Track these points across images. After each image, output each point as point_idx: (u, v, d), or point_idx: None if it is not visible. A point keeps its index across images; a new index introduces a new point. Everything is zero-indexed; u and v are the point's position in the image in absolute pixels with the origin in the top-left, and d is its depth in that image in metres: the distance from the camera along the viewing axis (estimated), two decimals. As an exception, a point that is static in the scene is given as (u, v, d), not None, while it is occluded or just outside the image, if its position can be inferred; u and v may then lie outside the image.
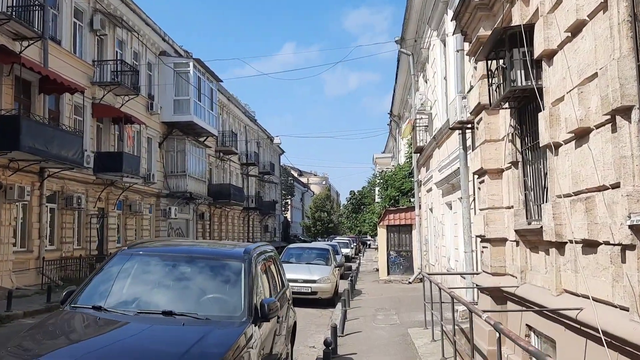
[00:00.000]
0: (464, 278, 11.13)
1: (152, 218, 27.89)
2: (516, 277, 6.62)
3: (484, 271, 8.22)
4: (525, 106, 6.22)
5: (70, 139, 17.84)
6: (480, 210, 7.71)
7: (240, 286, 4.89)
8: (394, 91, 29.05)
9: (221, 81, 33.94)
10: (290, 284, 13.63)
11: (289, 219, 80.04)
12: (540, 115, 5.36)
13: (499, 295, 7.15)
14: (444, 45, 14.11)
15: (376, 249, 49.55)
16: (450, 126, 10.32)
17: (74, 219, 20.53)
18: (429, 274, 9.89)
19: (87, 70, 21.60)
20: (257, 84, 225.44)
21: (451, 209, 14.23)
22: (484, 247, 7.85)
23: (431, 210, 18.23)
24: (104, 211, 22.98)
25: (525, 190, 6.44)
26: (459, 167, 11.56)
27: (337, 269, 16.36)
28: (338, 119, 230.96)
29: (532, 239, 6.06)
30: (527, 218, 6.34)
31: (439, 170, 15.36)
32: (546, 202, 5.48)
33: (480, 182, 7.78)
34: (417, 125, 18.95)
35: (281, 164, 69.13)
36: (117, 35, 24.25)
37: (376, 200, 30.16)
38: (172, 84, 28.90)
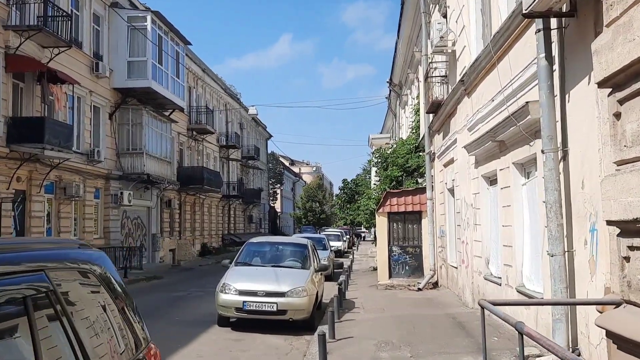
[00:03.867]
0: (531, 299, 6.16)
1: (100, 205, 22.78)
2: None
3: (627, 302, 3.38)
4: None
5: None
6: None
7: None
8: (395, 52, 23.97)
9: (189, 44, 28.74)
10: (245, 298, 8.69)
11: (279, 210, 75.07)
12: None
13: None
14: None
15: (372, 241, 44.63)
16: (526, 11, 5.30)
17: (-28, 203, 15.41)
18: (494, 303, 4.87)
19: (-4, 9, 16.41)
20: (253, 76, 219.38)
21: (495, 183, 9.25)
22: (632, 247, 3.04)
23: (451, 190, 13.26)
24: (24, 194, 17.85)
25: None
26: (526, 103, 6.56)
27: (320, 274, 11.38)
28: (335, 111, 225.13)
29: None
30: None
31: (469, 128, 10.36)
32: None
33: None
34: (431, 76, 13.93)
35: (270, 151, 64.07)
36: (46, -29, 18.98)
37: (373, 182, 25.12)
38: (125, 42, 23.73)
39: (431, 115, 15.08)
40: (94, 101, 22.22)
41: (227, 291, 9.64)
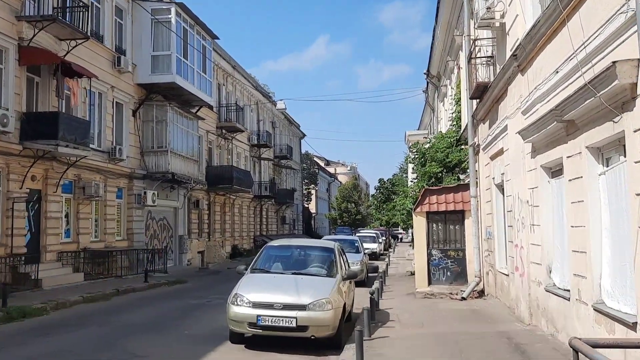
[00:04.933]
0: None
1: (123, 205, 21.85)
2: None
3: None
4: None
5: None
6: None
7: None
8: (433, 39, 22.30)
9: (217, 38, 27.63)
10: (259, 312, 7.32)
11: (314, 211, 73.82)
12: None
13: None
14: None
15: (409, 243, 42.81)
16: None
17: (-19, 203, 14.54)
18: (595, 344, 3.31)
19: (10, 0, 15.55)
20: (288, 78, 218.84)
21: (559, 174, 7.60)
22: None
23: (500, 186, 11.59)
24: (40, 194, 16.97)
25: None
26: (613, 64, 4.96)
27: (349, 282, 9.88)
28: (371, 111, 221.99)
29: None
30: None
31: (524, 111, 8.72)
32: None
33: None
34: (475, 57, 12.29)
35: (304, 151, 62.86)
36: (64, -39, 18.10)
37: (410, 180, 23.41)
38: (149, 36, 22.78)
39: (474, 102, 13.43)
40: (116, 97, 21.31)
41: (239, 303, 8.28)
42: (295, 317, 7.98)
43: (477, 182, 13.64)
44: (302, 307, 8.08)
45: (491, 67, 12.00)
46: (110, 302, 14.19)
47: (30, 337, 9.38)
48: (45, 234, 16.93)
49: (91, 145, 19.10)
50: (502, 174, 10.97)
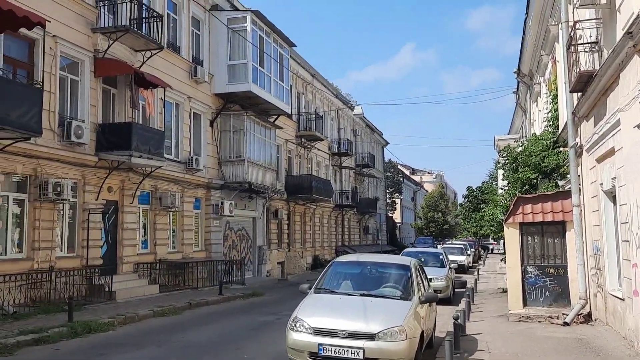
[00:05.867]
0: None
1: (201, 216, 21.66)
2: None
3: None
4: None
5: (16, 92, 11.71)
6: None
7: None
8: (523, 34, 20.37)
9: (294, 45, 27.08)
10: (321, 340, 6.21)
11: (399, 220, 71.93)
12: None
13: None
14: None
15: (501, 256, 40.13)
16: None
17: (57, 214, 14.56)
18: None
19: (84, 12, 15.70)
20: (373, 88, 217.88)
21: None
22: None
23: (610, 193, 9.82)
24: (117, 205, 16.97)
25: None
26: None
27: (429, 305, 8.57)
28: (458, 118, 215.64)
29: None
30: None
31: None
32: None
33: None
34: (575, 44, 10.61)
35: (388, 159, 61.31)
36: (140, -27, 18.20)
37: (500, 188, 21.38)
38: (225, 45, 22.59)
39: (575, 97, 11.68)
40: (194, 107, 21.21)
41: (298, 328, 7.27)
42: (363, 348, 6.84)
43: (580, 189, 11.82)
44: (370, 337, 6.93)
45: (596, 55, 10.30)
46: (179, 317, 13.70)
47: (82, 357, 8.89)
48: (121, 245, 16.90)
49: (168, 156, 19.06)
50: (614, 178, 9.23)
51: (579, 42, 10.57)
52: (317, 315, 7.36)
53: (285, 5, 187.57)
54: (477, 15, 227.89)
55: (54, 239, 14.30)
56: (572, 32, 10.57)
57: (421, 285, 8.70)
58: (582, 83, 10.13)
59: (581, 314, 11.44)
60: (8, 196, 13.33)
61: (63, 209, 14.94)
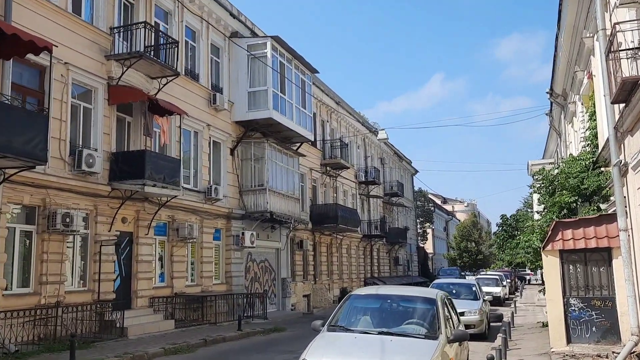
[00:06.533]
0: None
1: (221, 247, 20.93)
2: None
3: None
4: None
5: (19, 119, 11.26)
6: None
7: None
8: (555, 50, 19.34)
9: (316, 72, 26.57)
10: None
11: (431, 250, 70.06)
12: None
13: None
14: None
15: (539, 287, 38.13)
16: None
17: (67, 247, 13.99)
18: None
19: (97, 39, 15.45)
20: (402, 118, 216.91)
21: None
22: None
23: (664, 214, 8.66)
24: (131, 236, 16.37)
25: None
26: None
27: (459, 344, 7.46)
28: (489, 148, 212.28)
29: None
30: None
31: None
32: None
33: None
34: (615, 50, 9.63)
35: (418, 188, 60.06)
36: (157, 1, 18.02)
37: (536, 212, 20.03)
38: (245, 72, 22.19)
39: (617, 110, 10.62)
40: (213, 135, 20.71)
41: (305, 373, 6.32)
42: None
43: (626, 212, 10.64)
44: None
45: (639, 61, 9.27)
46: (192, 355, 12.84)
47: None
48: (136, 278, 16.22)
49: (186, 185, 18.53)
50: (668, 197, 8.10)
51: (620, 48, 9.58)
52: (327, 357, 6.40)
53: (315, 36, 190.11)
54: (506, 44, 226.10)
55: (63, 273, 13.71)
56: (611, 37, 9.59)
57: (449, 320, 7.65)
58: (626, 92, 9.09)
59: (634, 352, 10.10)
60: (15, 228, 12.85)
61: (74, 241, 14.42)
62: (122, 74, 15.64)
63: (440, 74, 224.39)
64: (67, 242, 14.01)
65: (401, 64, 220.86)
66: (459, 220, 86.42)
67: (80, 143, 14.77)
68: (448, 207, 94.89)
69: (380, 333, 6.98)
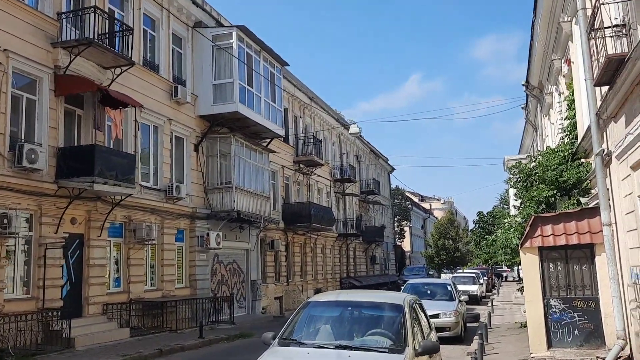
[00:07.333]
0: None
1: (185, 249, 19.77)
2: None
3: None
4: None
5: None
6: None
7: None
8: (531, 38, 18.60)
9: (286, 64, 25.52)
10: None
11: (409, 249, 69.60)
12: None
13: None
14: None
15: (516, 284, 37.74)
16: None
17: (8, 251, 12.73)
18: None
19: (42, 25, 14.20)
20: (380, 116, 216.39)
21: None
22: None
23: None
24: (82, 238, 15.14)
25: None
26: None
27: (427, 357, 6.51)
28: (467, 148, 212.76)
29: None
30: None
31: None
32: None
33: None
34: (598, 28, 8.81)
35: (395, 186, 59.38)
36: (110, -14, 16.78)
37: (512, 206, 19.27)
38: (210, 64, 21.05)
39: (599, 96, 9.83)
40: (175, 130, 19.54)
41: (246, 399, 5.29)
42: None
43: (610, 205, 9.85)
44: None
45: (624, 40, 8.45)
46: (144, 368, 11.71)
47: None
48: (87, 283, 15.01)
49: (144, 183, 17.39)
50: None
51: (603, 26, 8.75)
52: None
53: (293, 37, 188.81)
54: (482, 45, 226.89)
55: (2, 279, 12.46)
56: (595, 12, 8.75)
57: (417, 331, 6.68)
58: (610, 72, 8.26)
59: (620, 357, 9.31)
60: (-57, 231, 11.57)
61: (16, 244, 13.16)
62: (70, 62, 14.41)
63: (418, 74, 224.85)
64: (7, 245, 12.75)
65: (378, 64, 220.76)
66: (437, 218, 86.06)
67: (23, 137, 13.52)
68: (425, 205, 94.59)
69: (338, 347, 5.99)
